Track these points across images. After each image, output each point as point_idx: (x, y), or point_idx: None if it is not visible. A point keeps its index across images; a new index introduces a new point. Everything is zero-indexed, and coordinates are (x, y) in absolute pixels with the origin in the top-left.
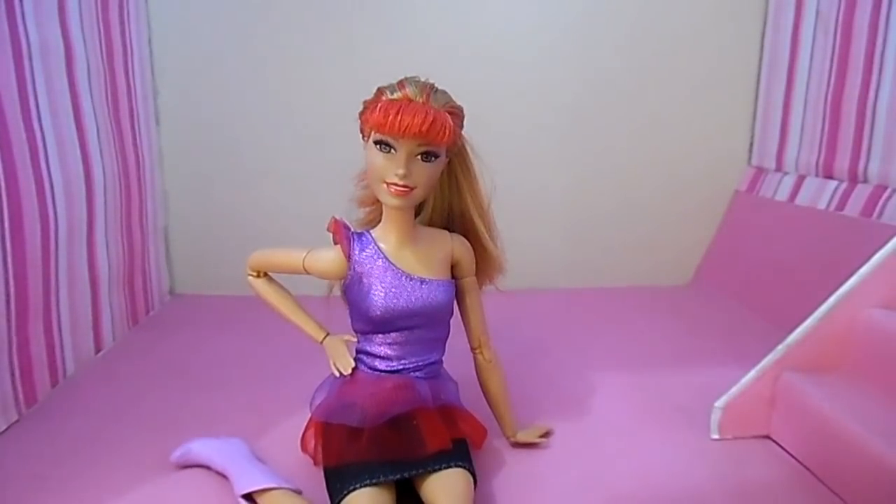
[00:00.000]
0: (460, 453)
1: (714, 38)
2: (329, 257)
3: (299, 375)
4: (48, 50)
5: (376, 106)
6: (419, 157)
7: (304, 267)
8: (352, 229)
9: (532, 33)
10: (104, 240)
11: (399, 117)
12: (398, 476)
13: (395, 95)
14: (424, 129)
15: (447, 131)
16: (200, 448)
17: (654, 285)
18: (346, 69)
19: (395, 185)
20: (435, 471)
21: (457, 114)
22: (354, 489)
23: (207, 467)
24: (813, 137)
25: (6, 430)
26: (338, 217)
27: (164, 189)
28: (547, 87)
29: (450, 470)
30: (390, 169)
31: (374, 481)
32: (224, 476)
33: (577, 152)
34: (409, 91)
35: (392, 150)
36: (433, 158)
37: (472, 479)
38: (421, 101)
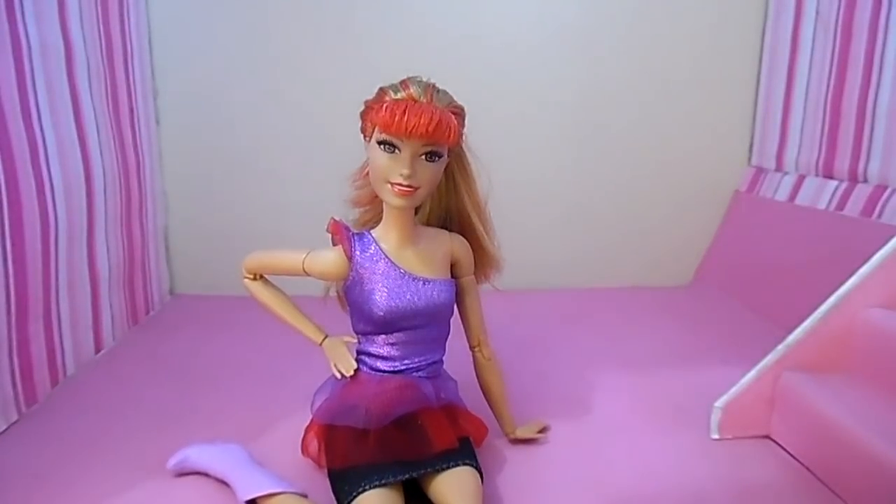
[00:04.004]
0: (467, 451)
1: (714, 38)
2: (330, 258)
3: (300, 376)
4: (48, 49)
5: (381, 106)
6: (423, 157)
7: (303, 268)
8: (352, 230)
9: (532, 34)
10: (104, 240)
11: (406, 117)
12: (406, 476)
13: (399, 95)
14: (431, 129)
15: (452, 131)
16: (198, 455)
17: (654, 286)
18: (347, 69)
19: (400, 185)
20: (443, 469)
21: (459, 113)
22: (364, 490)
23: (206, 474)
24: (813, 137)
25: (6, 429)
26: (337, 218)
27: (164, 189)
28: (546, 88)
29: (459, 468)
30: (395, 169)
31: (383, 482)
32: (224, 483)
33: (577, 152)
34: (413, 91)
35: (396, 151)
36: (437, 158)
37: (479, 477)
38: (425, 100)
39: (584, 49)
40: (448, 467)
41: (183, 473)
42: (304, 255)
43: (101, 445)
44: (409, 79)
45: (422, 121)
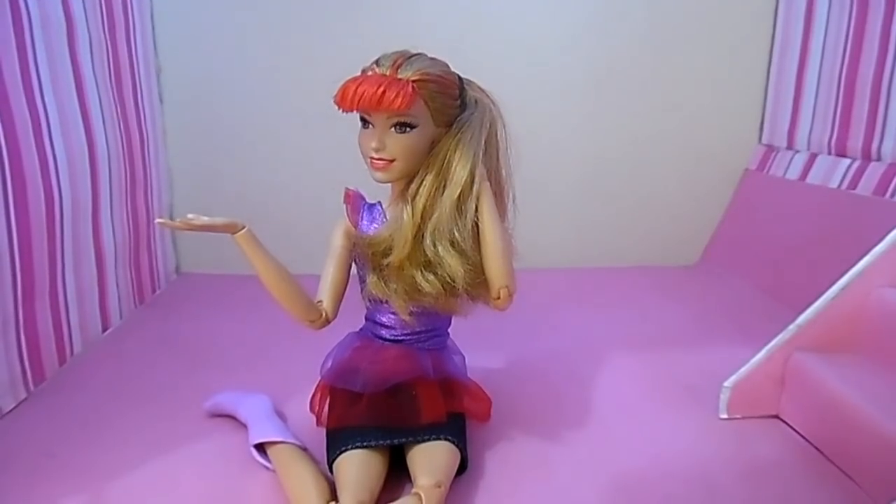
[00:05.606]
0: (452, 428)
1: (726, 13)
2: (339, 227)
3: (305, 353)
4: (49, 23)
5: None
6: (393, 128)
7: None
8: (366, 200)
9: (544, 11)
10: (109, 218)
11: (354, 90)
12: (388, 442)
13: (369, 72)
14: (376, 99)
15: (401, 98)
16: (227, 400)
17: (662, 265)
18: (355, 46)
19: (372, 158)
20: (422, 441)
21: (429, 80)
22: (346, 450)
23: (233, 417)
24: (826, 115)
25: (15, 407)
26: (351, 188)
27: (169, 166)
28: (556, 67)
29: (436, 442)
30: (368, 143)
31: (364, 444)
32: (245, 426)
33: (586, 130)
34: (380, 63)
35: (370, 126)
36: (408, 129)
37: (457, 454)
38: (389, 72)
39: (594, 29)
40: (427, 440)
41: (215, 415)
42: (330, 248)
43: (108, 422)
44: (384, 54)
45: (368, 91)
